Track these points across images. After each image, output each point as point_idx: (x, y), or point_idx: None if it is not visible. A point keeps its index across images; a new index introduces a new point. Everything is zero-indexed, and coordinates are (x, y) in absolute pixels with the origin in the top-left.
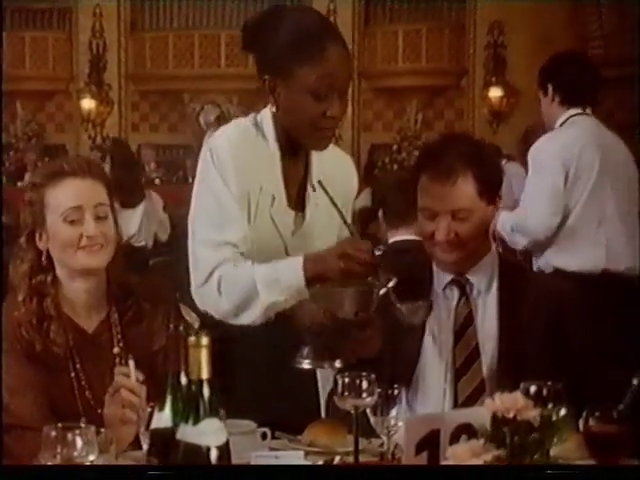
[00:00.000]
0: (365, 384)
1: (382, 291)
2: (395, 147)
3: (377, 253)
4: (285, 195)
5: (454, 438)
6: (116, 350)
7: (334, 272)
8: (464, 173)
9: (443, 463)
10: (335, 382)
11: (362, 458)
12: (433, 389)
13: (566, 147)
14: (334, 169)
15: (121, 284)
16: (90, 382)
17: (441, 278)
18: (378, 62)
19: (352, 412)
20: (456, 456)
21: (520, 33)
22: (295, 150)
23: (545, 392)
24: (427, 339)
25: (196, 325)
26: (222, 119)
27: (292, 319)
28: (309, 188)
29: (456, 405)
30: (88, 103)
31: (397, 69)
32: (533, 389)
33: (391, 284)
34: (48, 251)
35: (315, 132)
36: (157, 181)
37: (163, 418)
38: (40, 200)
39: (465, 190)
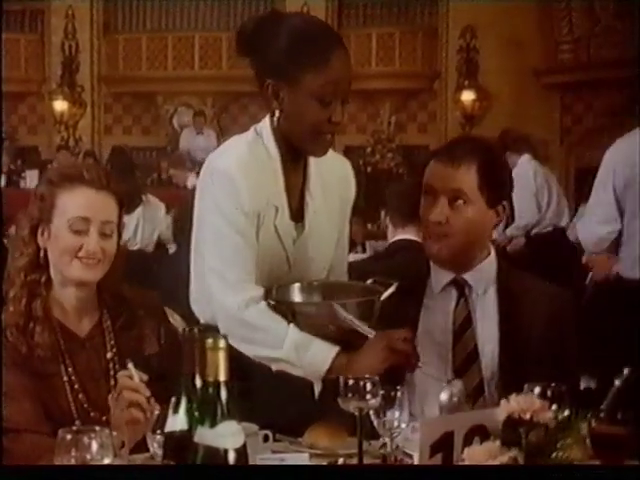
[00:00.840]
0: (369, 386)
1: (383, 296)
2: (369, 149)
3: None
4: (287, 205)
5: (467, 440)
6: (109, 355)
7: (373, 369)
8: (469, 163)
9: (459, 464)
10: (338, 384)
11: (364, 460)
12: (431, 389)
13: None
14: (332, 174)
15: (113, 292)
16: (83, 386)
17: (439, 278)
18: (352, 65)
19: (356, 414)
20: (473, 457)
21: (492, 37)
22: (295, 158)
23: (549, 393)
24: (422, 339)
25: (180, 329)
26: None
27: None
28: (307, 196)
29: None
30: (60, 105)
31: (370, 72)
32: (537, 390)
33: (391, 290)
34: (46, 250)
35: (317, 137)
36: None
37: (178, 421)
38: (51, 198)
39: (466, 176)
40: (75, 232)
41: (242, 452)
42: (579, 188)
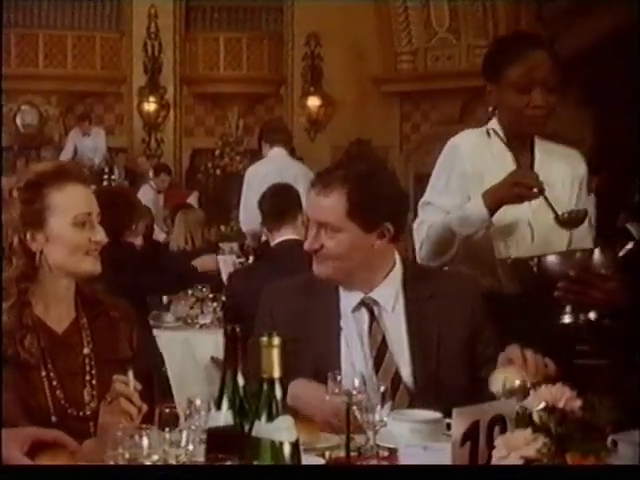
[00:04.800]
0: (356, 382)
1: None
2: (217, 152)
3: None
4: None
5: (489, 429)
6: (86, 351)
7: (510, 198)
8: (339, 191)
9: (493, 451)
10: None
11: (341, 453)
12: None
13: None
14: (559, 156)
15: (90, 290)
16: (61, 382)
17: (349, 299)
18: (200, 68)
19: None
20: (509, 444)
21: (335, 45)
22: (521, 141)
23: (528, 384)
24: (345, 366)
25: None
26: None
27: None
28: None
29: None
30: None
31: (219, 76)
32: (517, 382)
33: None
34: (41, 254)
35: (525, 120)
36: None
37: (221, 417)
38: (41, 200)
39: (336, 205)
40: (80, 228)
41: (296, 445)
42: (417, 192)
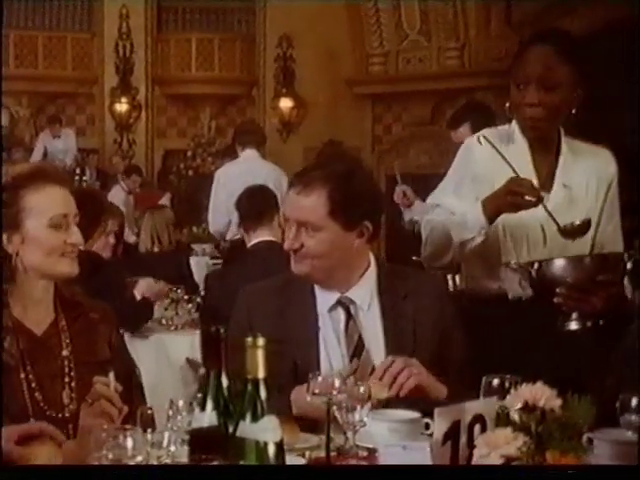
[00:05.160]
0: (337, 382)
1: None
2: (189, 153)
3: None
4: (535, 178)
5: (470, 428)
6: (65, 353)
7: (506, 206)
8: (320, 191)
9: (474, 450)
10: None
11: (321, 454)
12: None
13: None
14: (587, 154)
15: (69, 292)
16: (40, 384)
17: (326, 299)
18: (172, 69)
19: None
20: (490, 443)
21: (307, 47)
22: (542, 144)
23: (507, 384)
24: (324, 365)
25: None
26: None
27: None
28: (558, 171)
29: None
30: None
31: (191, 77)
32: (496, 382)
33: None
34: (17, 255)
35: (524, 118)
36: None
37: (205, 417)
38: (17, 202)
39: (316, 204)
40: (56, 229)
41: (280, 446)
42: (388, 193)
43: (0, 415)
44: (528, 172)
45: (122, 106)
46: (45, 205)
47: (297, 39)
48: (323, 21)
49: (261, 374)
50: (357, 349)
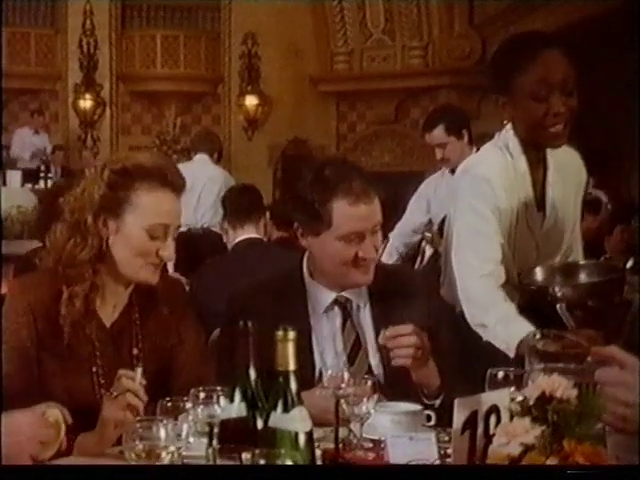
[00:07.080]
0: (346, 376)
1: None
2: (154, 151)
3: None
4: (534, 199)
5: (486, 418)
6: (135, 351)
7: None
8: (374, 196)
9: (493, 439)
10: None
11: (328, 445)
12: None
13: None
14: (567, 165)
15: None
16: (106, 374)
17: (322, 299)
18: (137, 65)
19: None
20: (509, 432)
21: (272, 45)
22: (535, 156)
23: (512, 377)
24: (318, 361)
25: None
26: None
27: None
28: (547, 188)
29: None
30: None
31: (155, 74)
32: (500, 375)
33: (630, 263)
34: (107, 241)
35: (545, 131)
36: None
37: (234, 409)
38: (126, 192)
39: (378, 210)
40: (152, 237)
41: (310, 435)
42: None
43: None
44: (527, 194)
45: (86, 102)
46: (151, 209)
47: (262, 37)
48: (288, 19)
49: (292, 366)
50: (354, 348)
